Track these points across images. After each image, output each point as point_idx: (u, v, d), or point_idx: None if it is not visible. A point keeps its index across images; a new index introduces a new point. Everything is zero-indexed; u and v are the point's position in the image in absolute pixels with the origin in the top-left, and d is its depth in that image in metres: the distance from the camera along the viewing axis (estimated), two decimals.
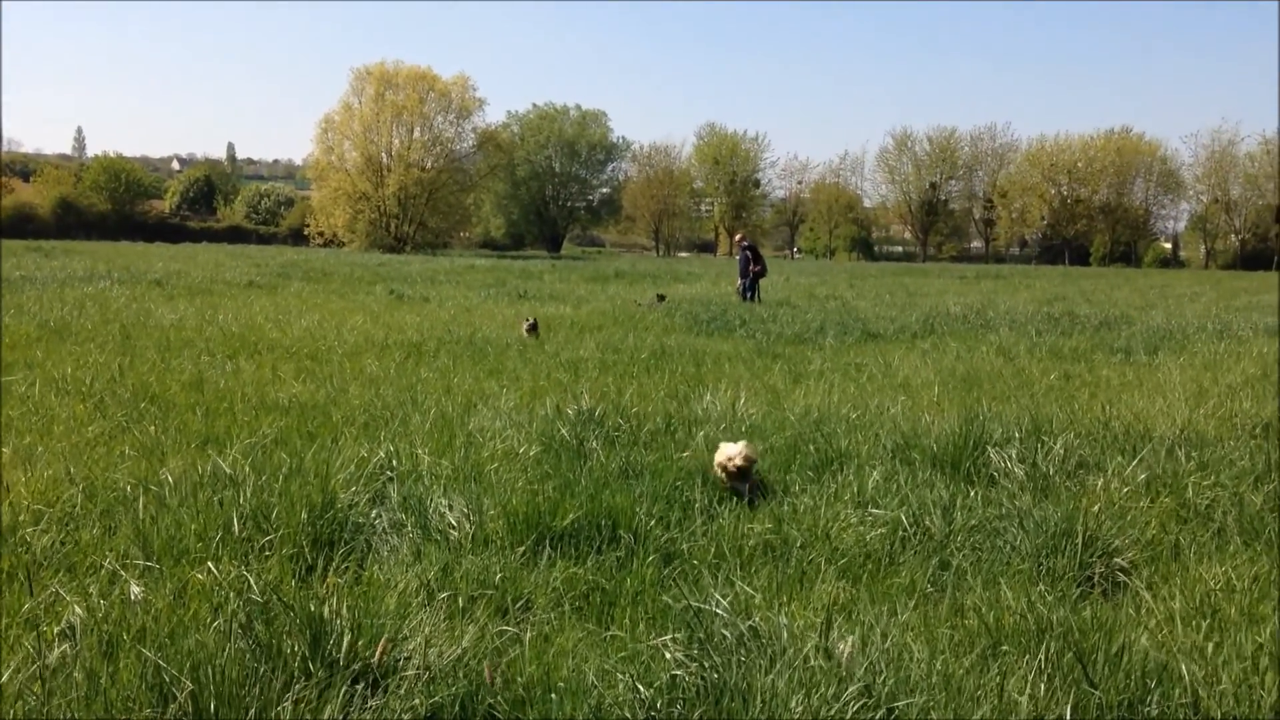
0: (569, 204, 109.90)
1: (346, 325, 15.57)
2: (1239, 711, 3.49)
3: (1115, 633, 4.01)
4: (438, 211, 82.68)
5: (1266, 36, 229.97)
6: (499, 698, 3.39)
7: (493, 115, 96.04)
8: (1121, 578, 4.91)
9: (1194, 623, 4.30)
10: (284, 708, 3.14)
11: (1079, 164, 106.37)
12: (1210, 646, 4.02)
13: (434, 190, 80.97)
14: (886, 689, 3.34)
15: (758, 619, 3.93)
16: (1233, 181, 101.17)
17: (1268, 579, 4.83)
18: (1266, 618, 4.37)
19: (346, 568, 4.68)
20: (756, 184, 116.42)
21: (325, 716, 3.06)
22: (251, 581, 4.09)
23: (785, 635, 3.76)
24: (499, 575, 4.63)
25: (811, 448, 7.27)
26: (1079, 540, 5.08)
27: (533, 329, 14.77)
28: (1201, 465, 6.87)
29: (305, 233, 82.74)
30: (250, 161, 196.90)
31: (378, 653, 3.50)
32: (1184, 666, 3.65)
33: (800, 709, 3.17)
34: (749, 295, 25.21)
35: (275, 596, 3.87)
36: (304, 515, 5.09)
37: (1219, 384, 10.92)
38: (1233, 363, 13.20)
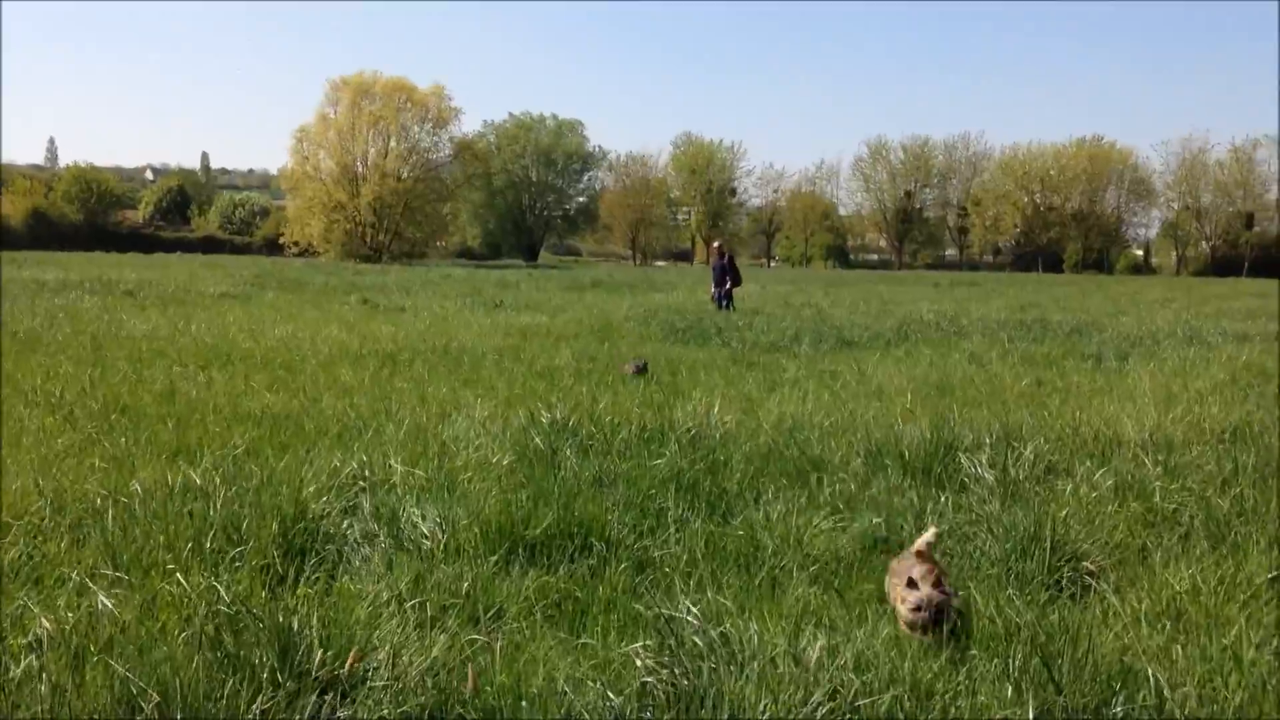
0: (546, 213, 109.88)
1: (321, 335, 15.52)
2: (1203, 713, 3.54)
3: (1081, 636, 4.05)
4: (414, 221, 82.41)
5: (1235, 44, 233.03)
6: (469, 706, 3.40)
7: (469, 125, 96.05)
8: (1089, 581, 4.96)
9: (1160, 625, 4.35)
10: (251, 718, 3.14)
11: (1051, 172, 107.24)
12: (1176, 649, 4.06)
13: (410, 200, 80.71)
14: (853, 692, 3.37)
15: (728, 626, 3.95)
16: (1203, 189, 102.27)
17: (1233, 582, 4.89)
18: (1232, 620, 4.42)
19: (317, 578, 4.67)
20: (733, 192, 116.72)
21: None
22: (221, 592, 4.08)
23: (755, 641, 3.78)
24: (471, 585, 4.63)
25: (785, 455, 7.31)
26: (1047, 545, 5.12)
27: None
28: (1169, 470, 6.95)
29: (280, 242, 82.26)
30: (224, 171, 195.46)
31: (348, 664, 3.50)
32: (1149, 669, 3.69)
33: (767, 713, 3.20)
34: (724, 304, 25.28)
35: (244, 608, 3.86)
36: (275, 526, 5.08)
37: (1188, 390, 11.03)
38: (1202, 368, 13.34)
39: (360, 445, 7.26)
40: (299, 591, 4.41)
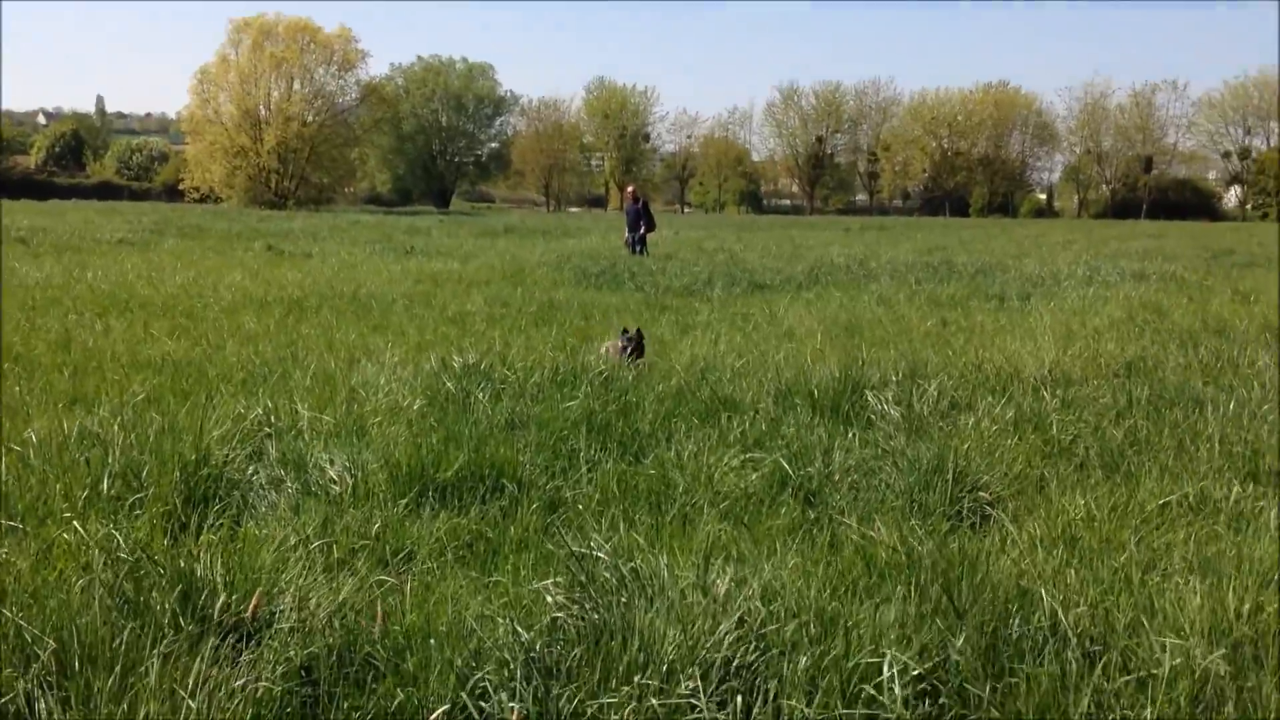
0: (457, 159, 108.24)
1: (224, 282, 15.12)
2: (1094, 632, 3.67)
3: (980, 563, 4.17)
4: (320, 166, 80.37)
5: None
6: (377, 646, 3.38)
7: (376, 68, 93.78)
8: (988, 511, 5.11)
9: (1055, 551, 4.50)
10: (152, 663, 3.08)
11: (958, 117, 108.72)
12: (1070, 573, 4.21)
13: (316, 144, 78.57)
14: (760, 620, 3.43)
15: (639, 562, 3.97)
16: (1104, 133, 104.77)
17: (1125, 508, 5.08)
18: (1124, 544, 4.59)
19: (221, 525, 4.58)
20: (646, 138, 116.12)
21: (195, 669, 3.01)
22: (120, 540, 3.98)
23: (665, 575, 3.81)
24: (381, 527, 4.60)
25: (697, 395, 7.36)
26: (949, 477, 5.26)
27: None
28: (1066, 404, 7.19)
29: (180, 188, 79.56)
30: (120, 115, 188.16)
31: (251, 606, 3.45)
32: (1043, 591, 3.81)
33: (676, 643, 3.24)
34: (638, 249, 25.22)
35: (144, 554, 3.78)
36: (176, 473, 4.97)
37: (1086, 327, 11.37)
38: (1100, 307, 13.76)
39: (265, 391, 7.12)
40: (202, 538, 4.33)
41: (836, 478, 5.59)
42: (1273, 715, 3.10)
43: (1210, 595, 3.88)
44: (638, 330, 8.49)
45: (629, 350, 8.44)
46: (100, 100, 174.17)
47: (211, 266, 18.30)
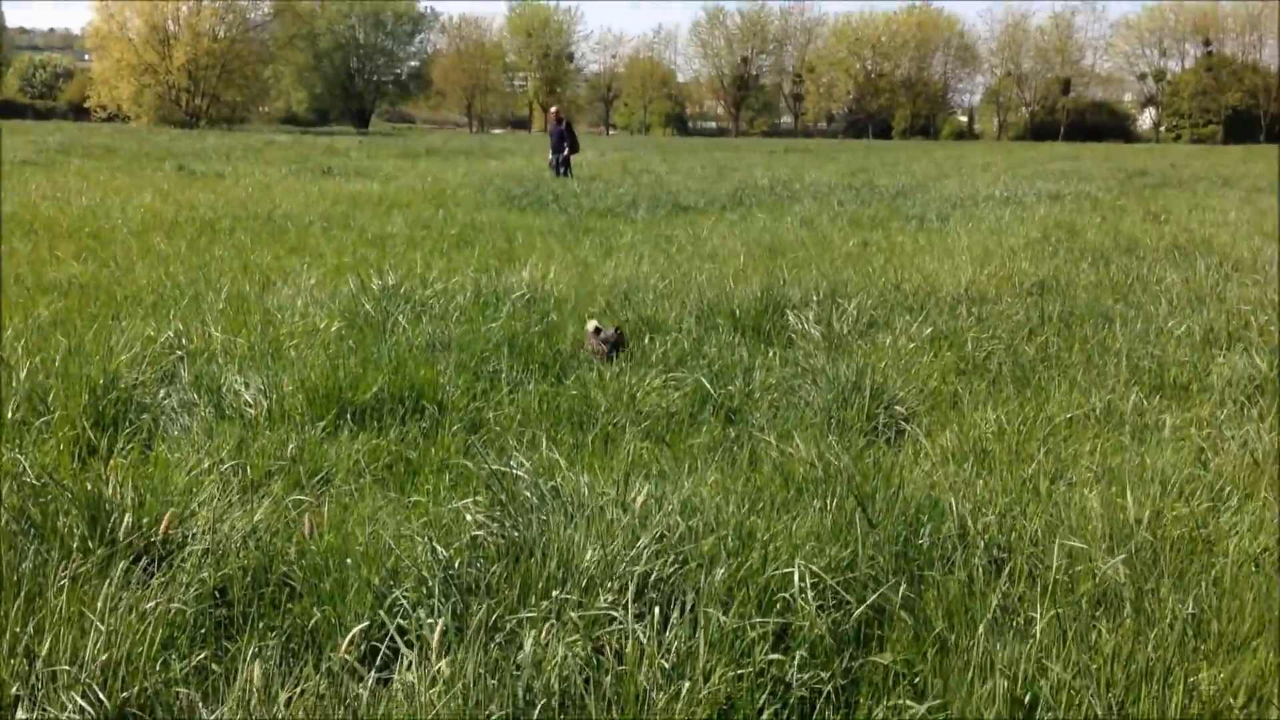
0: (376, 78, 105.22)
1: (133, 203, 14.63)
2: (1001, 539, 3.78)
3: (894, 475, 4.26)
4: (233, 84, 77.61)
5: None
6: (294, 567, 3.35)
7: None
8: (904, 426, 5.21)
9: (966, 463, 4.61)
10: (60, 586, 3.03)
11: (882, 39, 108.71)
12: (980, 483, 4.32)
13: (227, 61, 75.76)
14: (678, 535, 3.47)
15: (559, 480, 3.99)
16: (1024, 55, 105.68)
17: (1034, 421, 5.21)
18: (1032, 456, 4.72)
19: (131, 448, 4.49)
20: (570, 58, 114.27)
21: (104, 592, 2.96)
22: (25, 464, 3.88)
23: (585, 493, 3.83)
24: (297, 449, 4.54)
25: (620, 316, 7.36)
26: (867, 393, 5.34)
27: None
28: (981, 321, 7.33)
29: (86, 107, 76.48)
30: (22, 31, 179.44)
31: (162, 528, 3.40)
32: (953, 500, 3.90)
33: (595, 559, 3.26)
34: (561, 171, 24.96)
35: (50, 478, 3.69)
36: (85, 396, 4.85)
37: (1002, 247, 11.56)
38: (1016, 227, 13.98)
39: (177, 314, 6.95)
40: (111, 462, 4.24)
41: (757, 396, 5.65)
42: (1169, 617, 3.22)
43: (1112, 503, 4.02)
44: (617, 330, 6.77)
45: (608, 347, 6.62)
46: (0, 15, 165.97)
47: (120, 187, 17.68)
